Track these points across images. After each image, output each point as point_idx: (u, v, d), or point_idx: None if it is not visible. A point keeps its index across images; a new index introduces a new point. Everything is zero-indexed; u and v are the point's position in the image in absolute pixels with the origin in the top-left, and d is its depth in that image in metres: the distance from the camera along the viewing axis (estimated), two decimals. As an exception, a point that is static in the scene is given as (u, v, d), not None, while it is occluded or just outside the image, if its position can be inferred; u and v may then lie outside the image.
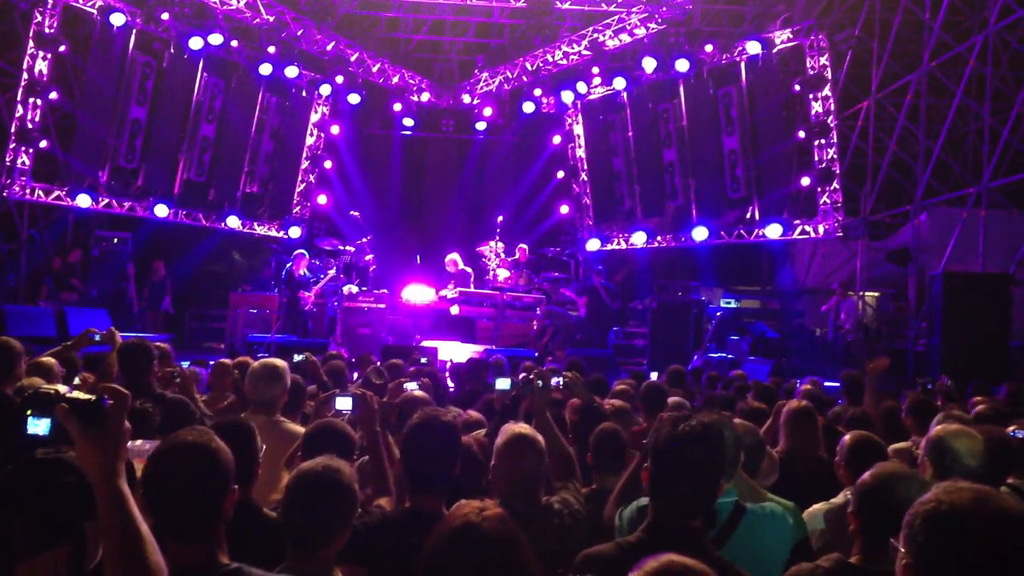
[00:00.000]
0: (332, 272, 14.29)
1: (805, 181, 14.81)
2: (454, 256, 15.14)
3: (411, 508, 3.02)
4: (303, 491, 2.50)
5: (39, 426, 1.79)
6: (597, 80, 16.68)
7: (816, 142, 14.64)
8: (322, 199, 17.76)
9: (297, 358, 6.13)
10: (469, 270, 15.06)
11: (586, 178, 18.06)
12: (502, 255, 15.62)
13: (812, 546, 3.24)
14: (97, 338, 5.74)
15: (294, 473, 2.60)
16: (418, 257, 16.29)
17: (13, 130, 13.57)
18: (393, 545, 2.87)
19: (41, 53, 13.66)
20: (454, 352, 12.42)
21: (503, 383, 4.20)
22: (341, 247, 15.44)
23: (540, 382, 3.58)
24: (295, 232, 16.84)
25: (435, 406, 4.39)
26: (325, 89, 16.89)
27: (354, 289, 14.47)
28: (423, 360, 7.93)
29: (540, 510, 3.08)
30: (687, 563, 1.79)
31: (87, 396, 1.77)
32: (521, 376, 3.86)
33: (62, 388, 1.83)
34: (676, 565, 1.78)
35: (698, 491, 2.54)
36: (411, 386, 4.86)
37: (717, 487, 2.58)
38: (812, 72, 14.67)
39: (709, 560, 2.00)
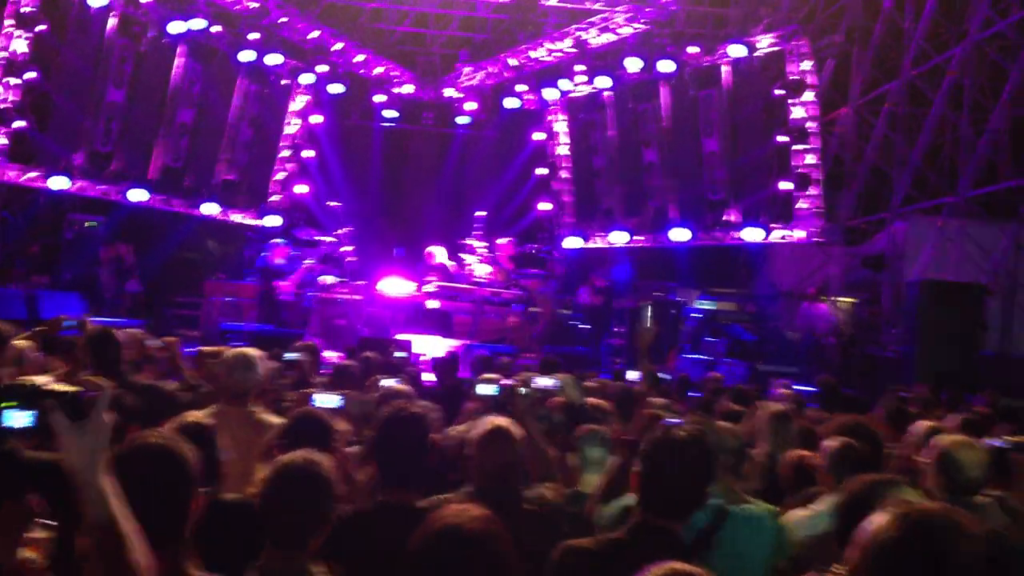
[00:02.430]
0: (309, 262, 14.18)
1: (784, 185, 14.90)
2: (435, 249, 15.09)
3: (384, 501, 3.00)
4: (282, 484, 2.45)
5: (19, 419, 1.75)
6: (581, 78, 16.67)
7: (796, 147, 14.72)
8: (301, 188, 17.60)
9: (289, 357, 6.03)
10: (450, 264, 15.02)
11: (567, 176, 18.05)
12: (482, 250, 15.60)
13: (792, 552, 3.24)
14: (67, 323, 5.66)
15: (272, 466, 2.54)
16: (395, 250, 16.20)
17: (-11, 109, 13.33)
18: (367, 539, 2.84)
19: (20, 32, 13.41)
20: (430, 346, 12.38)
21: (486, 388, 4.17)
22: (319, 237, 15.34)
23: (523, 388, 3.56)
24: (273, 221, 16.68)
25: (417, 400, 4.37)
26: (307, 78, 16.74)
27: (331, 280, 14.38)
28: (398, 354, 7.86)
29: (514, 500, 3.08)
30: (689, 570, 1.78)
31: (69, 388, 1.74)
32: (502, 382, 3.84)
33: (39, 379, 1.79)
34: (679, 572, 1.77)
35: (687, 497, 2.54)
36: (388, 382, 4.83)
37: (705, 493, 2.58)
38: (794, 77, 14.75)
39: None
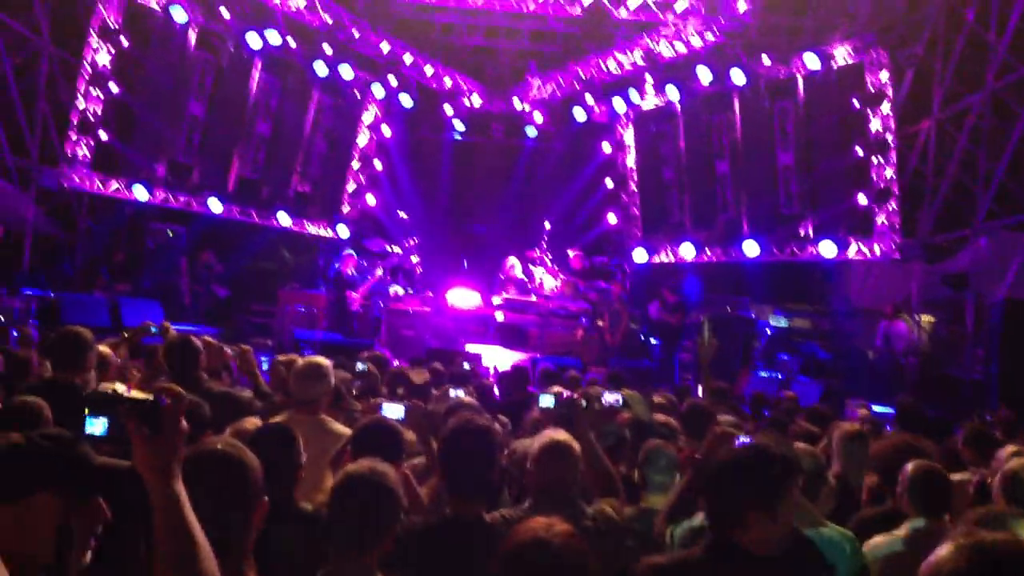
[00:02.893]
0: (379, 273, 14.35)
1: (861, 199, 14.52)
2: (513, 261, 15.15)
3: (452, 515, 2.99)
4: (348, 494, 2.48)
5: (96, 425, 1.78)
6: (650, 90, 16.55)
7: (874, 160, 14.36)
8: (371, 200, 17.86)
9: (360, 367, 6.11)
10: (525, 277, 15.06)
11: (635, 188, 17.92)
12: (549, 263, 15.59)
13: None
14: (154, 330, 5.84)
15: (339, 475, 2.57)
16: (465, 262, 16.30)
17: (75, 121, 13.85)
18: (436, 552, 2.84)
19: (103, 46, 13.93)
20: (498, 358, 12.40)
21: (547, 400, 4.14)
22: (388, 248, 15.51)
23: (584, 402, 3.52)
24: (344, 231, 16.95)
25: (483, 412, 4.36)
26: (378, 91, 16.99)
27: (400, 291, 14.53)
28: (465, 366, 7.87)
29: (573, 516, 3.03)
30: None
31: (144, 396, 1.76)
32: (564, 395, 3.80)
33: (120, 387, 1.82)
34: None
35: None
36: (457, 392, 4.83)
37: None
38: (872, 89, 14.39)
39: None
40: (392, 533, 2.49)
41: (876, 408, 7.50)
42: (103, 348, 5.33)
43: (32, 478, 1.82)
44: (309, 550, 2.65)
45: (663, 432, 4.77)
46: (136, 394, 1.77)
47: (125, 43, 14.22)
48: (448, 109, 17.96)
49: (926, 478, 3.37)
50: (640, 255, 17.13)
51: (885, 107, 14.35)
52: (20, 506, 1.79)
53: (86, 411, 1.78)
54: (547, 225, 16.28)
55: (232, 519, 2.12)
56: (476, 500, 3.00)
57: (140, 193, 14.33)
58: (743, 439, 3.42)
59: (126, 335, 6.11)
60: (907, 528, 3.35)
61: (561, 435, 3.20)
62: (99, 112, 14.04)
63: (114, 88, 14.11)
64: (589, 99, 17.31)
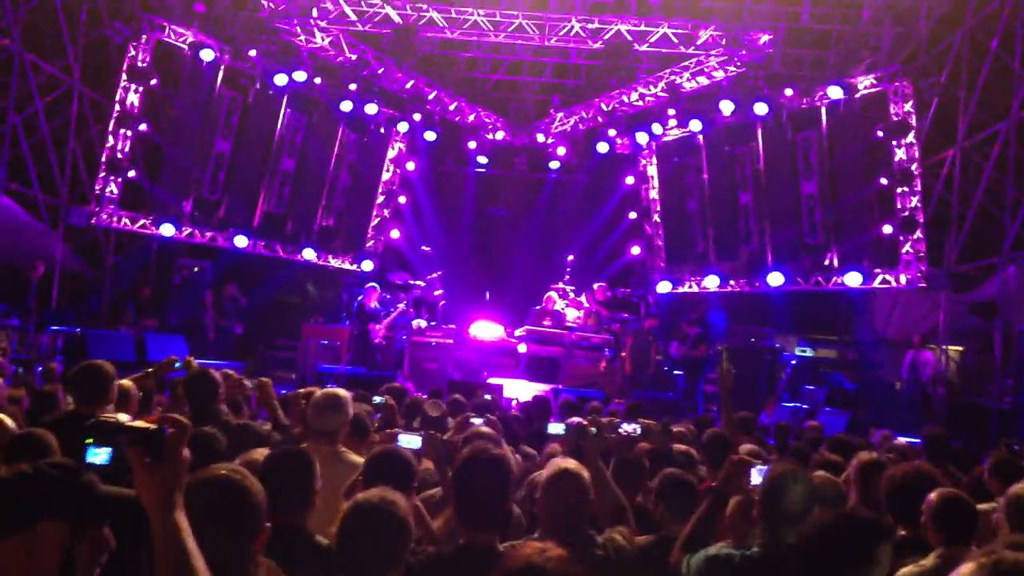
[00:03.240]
0: (402, 306, 14.42)
1: (887, 229, 14.42)
2: (552, 294, 15.20)
3: (465, 544, 2.97)
4: (357, 522, 2.47)
5: (99, 455, 1.79)
6: (673, 122, 16.61)
7: (899, 189, 14.27)
8: (395, 233, 17.99)
9: (377, 400, 6.12)
10: (565, 312, 15.09)
11: (659, 219, 17.91)
12: (571, 295, 15.59)
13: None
14: (178, 365, 5.90)
15: (350, 503, 2.57)
16: (487, 294, 16.33)
17: (104, 159, 14.12)
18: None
19: (133, 86, 14.23)
20: (520, 390, 12.36)
21: (556, 427, 4.13)
22: (412, 281, 15.60)
23: (594, 429, 3.49)
24: (368, 265, 17.07)
25: (500, 443, 4.34)
26: (403, 126, 17.18)
27: (423, 324, 14.57)
28: (487, 397, 7.85)
29: (581, 542, 3.00)
30: None
31: (147, 425, 1.77)
32: (575, 421, 3.79)
33: (123, 417, 1.84)
34: None
35: None
36: (476, 421, 4.82)
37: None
38: (896, 118, 14.34)
39: None
40: (402, 562, 2.47)
41: (902, 439, 7.37)
42: (125, 382, 5.38)
43: (38, 507, 1.84)
44: None
45: (681, 461, 4.73)
46: (139, 423, 1.78)
47: (154, 83, 14.52)
48: (472, 143, 18.11)
49: (951, 507, 3.31)
50: (664, 286, 17.08)
51: (909, 136, 14.28)
52: (27, 534, 1.81)
53: (89, 440, 1.79)
54: (570, 257, 16.32)
55: (232, 544, 2.12)
56: (489, 530, 2.97)
57: (167, 230, 14.53)
58: (760, 467, 3.38)
59: (151, 370, 6.17)
60: (933, 558, 3.29)
61: (570, 463, 3.18)
62: (128, 151, 14.31)
63: (143, 127, 14.40)
64: (612, 132, 17.40)
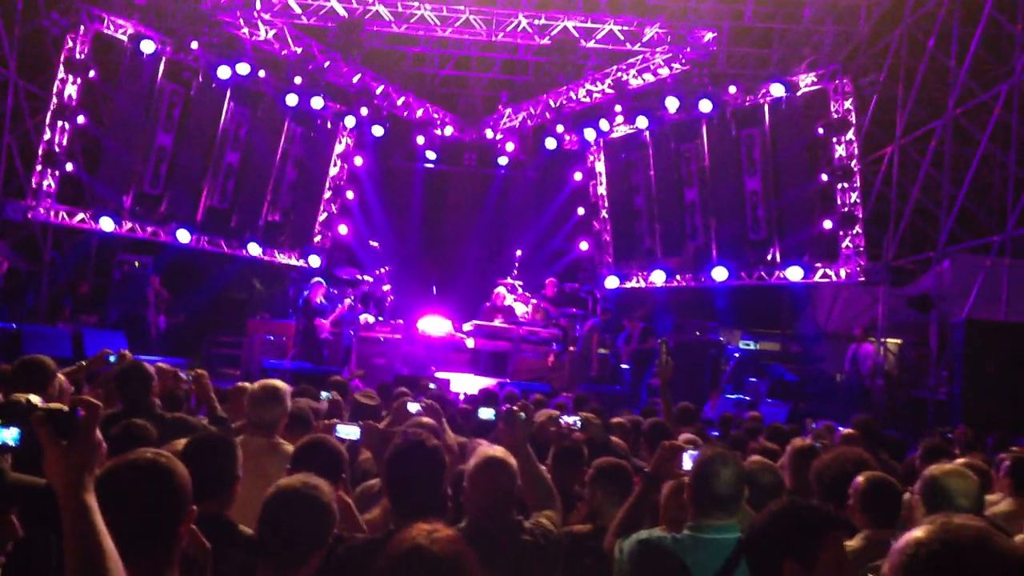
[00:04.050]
0: (349, 301, 14.31)
1: (827, 224, 14.72)
2: (500, 289, 15.21)
3: (395, 531, 2.95)
4: (278, 507, 2.43)
5: (7, 435, 1.76)
6: (620, 119, 16.74)
7: (839, 186, 14.57)
8: (343, 229, 17.85)
9: (324, 395, 6.04)
10: (514, 306, 15.10)
11: (606, 215, 18.03)
12: (519, 290, 15.64)
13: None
14: (112, 359, 5.77)
15: (271, 489, 2.53)
16: (434, 288, 16.30)
17: (40, 152, 13.78)
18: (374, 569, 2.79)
19: (71, 78, 13.90)
20: (468, 384, 12.37)
21: (486, 412, 4.15)
22: (359, 277, 15.49)
23: (523, 413, 3.51)
24: (315, 261, 16.90)
25: (440, 431, 4.34)
26: (350, 121, 17.03)
27: (371, 319, 14.49)
28: (431, 386, 7.83)
29: (509, 528, 3.02)
30: None
31: (60, 407, 1.75)
32: (504, 407, 3.81)
33: (34, 398, 1.81)
34: None
35: None
36: (413, 407, 4.82)
37: None
38: (836, 116, 14.64)
39: None
40: (323, 549, 2.44)
41: (840, 428, 7.54)
42: (60, 376, 5.27)
43: None
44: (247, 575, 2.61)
45: (618, 452, 4.78)
46: (51, 405, 1.76)
47: (93, 75, 14.20)
48: (420, 139, 18.03)
49: (876, 489, 3.39)
50: (612, 282, 17.21)
51: (849, 134, 14.59)
52: None
53: None
54: (518, 252, 16.37)
55: (158, 526, 2.09)
56: (422, 518, 2.96)
57: (107, 224, 14.23)
58: (692, 452, 3.43)
59: (83, 363, 6.04)
60: (859, 539, 3.37)
61: (497, 451, 3.19)
62: (65, 143, 13.97)
63: (81, 120, 14.08)
64: (560, 128, 17.46)
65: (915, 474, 5.18)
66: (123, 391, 4.88)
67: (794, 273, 14.64)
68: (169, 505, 2.12)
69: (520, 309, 15.30)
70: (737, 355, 14.60)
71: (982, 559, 1.48)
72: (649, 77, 16.31)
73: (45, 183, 13.81)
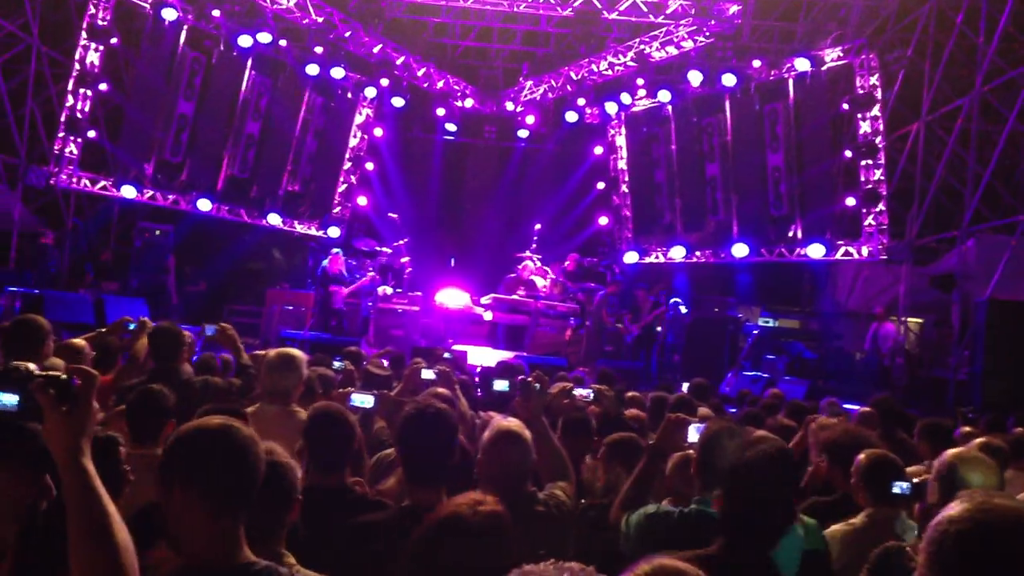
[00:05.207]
0: (372, 273, 14.36)
1: (850, 201, 14.57)
2: (527, 263, 15.22)
3: (408, 507, 2.96)
4: None
5: (7, 400, 1.78)
6: (642, 92, 16.59)
7: (863, 162, 14.39)
8: (362, 200, 17.85)
9: (337, 365, 6.04)
10: (535, 279, 15.12)
11: (626, 190, 17.93)
12: (538, 263, 15.61)
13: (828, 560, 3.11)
14: (132, 326, 5.82)
15: None
16: (452, 261, 16.31)
17: (63, 119, 13.84)
18: (393, 544, 2.79)
19: (93, 45, 13.93)
20: (485, 357, 12.40)
21: (501, 384, 4.15)
22: (378, 248, 15.50)
23: (538, 384, 3.50)
24: (334, 232, 16.93)
25: (454, 400, 4.35)
26: (370, 91, 16.99)
27: (388, 291, 14.53)
28: (446, 355, 7.84)
29: (523, 500, 3.02)
30: (679, 566, 1.72)
31: (57, 374, 1.78)
32: (520, 378, 3.80)
33: (31, 365, 1.83)
34: (668, 568, 1.71)
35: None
36: (427, 374, 4.82)
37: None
38: (861, 92, 14.43)
39: None
40: (290, 513, 2.42)
41: (846, 406, 7.51)
42: (78, 341, 5.33)
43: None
44: None
45: (633, 427, 4.78)
46: (50, 372, 1.78)
47: (115, 42, 14.22)
48: (440, 110, 17.95)
49: (879, 467, 3.38)
50: (631, 257, 17.15)
51: (874, 110, 14.38)
52: None
53: None
54: (537, 226, 16.32)
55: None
56: (432, 486, 2.96)
57: (128, 192, 14.32)
58: (697, 425, 3.41)
59: (103, 330, 6.10)
60: (862, 517, 3.36)
61: (512, 423, 3.19)
62: (88, 111, 14.03)
63: (103, 87, 14.12)
64: (581, 101, 17.32)
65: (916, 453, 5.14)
66: (154, 355, 4.96)
67: (815, 251, 14.51)
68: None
69: (539, 283, 15.29)
70: (756, 332, 14.51)
71: (1013, 541, 1.46)
72: (672, 50, 16.12)
73: (68, 150, 13.89)
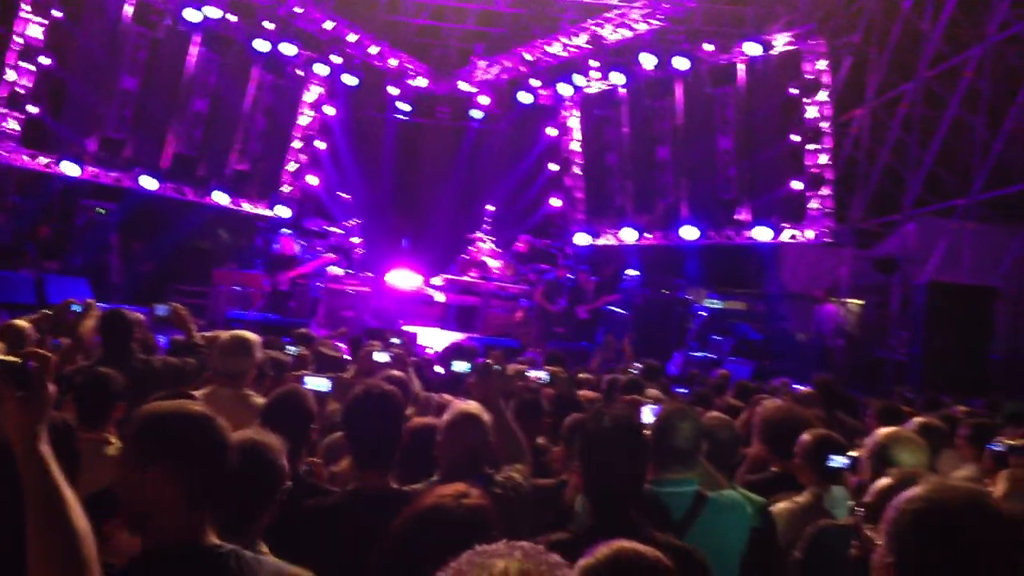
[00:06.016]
0: (330, 255, 14.25)
1: (796, 185, 14.81)
2: (480, 244, 15.20)
3: (355, 489, 2.96)
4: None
5: None
6: (595, 74, 16.64)
7: (809, 147, 14.63)
8: (312, 180, 17.64)
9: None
10: (489, 261, 15.10)
11: (579, 172, 18.00)
12: (490, 244, 15.63)
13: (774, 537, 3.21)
14: (76, 308, 5.71)
15: None
16: (404, 242, 16.24)
17: (4, 95, 13.43)
18: (340, 529, 2.80)
19: (35, 18, 13.51)
20: (436, 339, 12.39)
21: (461, 365, 4.19)
22: (329, 228, 15.36)
23: (497, 366, 3.53)
24: (283, 211, 16.72)
25: (408, 383, 4.37)
26: (321, 69, 16.77)
27: (339, 271, 14.42)
28: (394, 341, 7.83)
29: (480, 482, 3.05)
30: (637, 549, 1.77)
31: (12, 359, 1.75)
32: (479, 360, 3.83)
33: None
34: (626, 551, 1.75)
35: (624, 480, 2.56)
36: (381, 356, 4.83)
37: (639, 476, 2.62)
38: (809, 77, 14.66)
39: (653, 542, 1.97)
40: (273, 505, 2.41)
41: (796, 386, 7.68)
42: (22, 323, 5.23)
43: None
44: None
45: (586, 408, 4.84)
46: (4, 357, 1.76)
47: (58, 15, 13.82)
48: (393, 89, 17.79)
49: (823, 447, 3.49)
50: (583, 238, 17.26)
51: (822, 95, 14.62)
52: None
53: None
54: (490, 207, 16.32)
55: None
56: (379, 469, 2.96)
57: (70, 169, 13.97)
58: (652, 407, 3.48)
59: (47, 312, 5.98)
60: (807, 495, 3.47)
61: (471, 406, 3.22)
62: (29, 86, 13.63)
63: (45, 61, 13.72)
64: (534, 82, 17.32)
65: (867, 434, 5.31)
66: (104, 338, 4.87)
67: (762, 233, 14.76)
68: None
69: (492, 264, 15.32)
70: (703, 313, 14.73)
71: (968, 521, 1.54)
72: (625, 32, 16.18)
73: (9, 126, 13.49)
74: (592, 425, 2.63)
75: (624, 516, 2.47)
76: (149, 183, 14.76)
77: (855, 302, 15.25)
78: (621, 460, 2.56)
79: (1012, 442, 4.11)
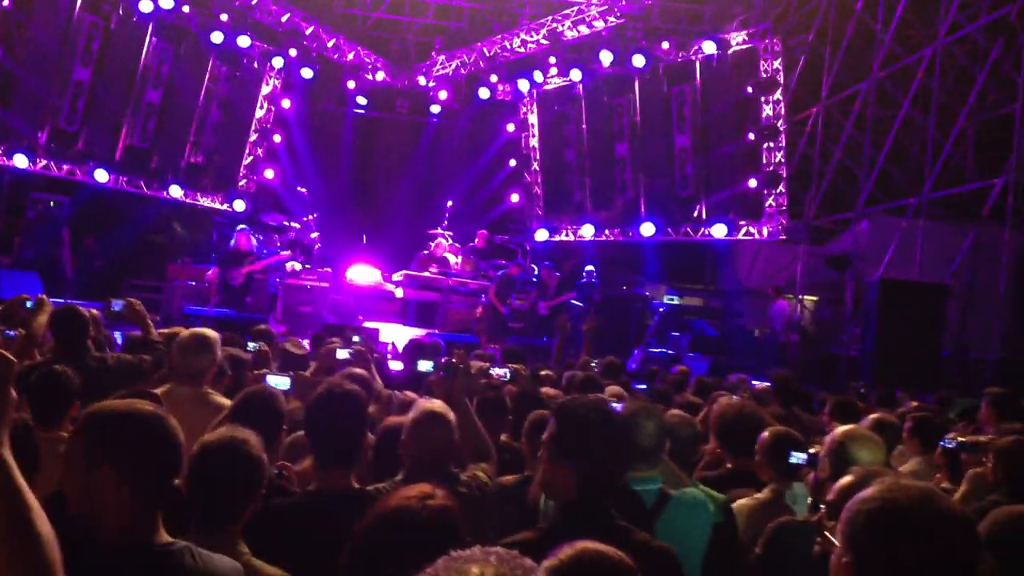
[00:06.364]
0: (287, 252, 14.11)
1: (752, 183, 15.01)
2: (440, 240, 15.12)
3: (316, 490, 2.94)
4: (205, 463, 2.39)
5: None
6: (553, 70, 16.68)
7: (765, 145, 14.83)
8: (269, 173, 17.42)
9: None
10: (449, 257, 15.05)
11: (538, 168, 18.04)
12: (450, 240, 15.60)
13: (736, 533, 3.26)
14: (29, 304, 5.59)
15: (197, 444, 2.46)
16: (364, 237, 16.14)
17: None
18: (301, 530, 2.77)
19: (-19, 6, 13.19)
20: (397, 335, 12.36)
21: (425, 364, 4.18)
22: (286, 223, 15.20)
23: (463, 365, 3.54)
24: (239, 205, 16.50)
25: (370, 380, 4.35)
26: (277, 61, 16.57)
27: (297, 267, 14.29)
28: (355, 339, 7.79)
29: (445, 481, 3.05)
30: (600, 549, 1.78)
31: None
32: (444, 359, 3.83)
33: None
34: (589, 552, 1.76)
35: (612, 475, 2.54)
36: (342, 354, 4.80)
37: (621, 471, 2.59)
38: (765, 75, 14.84)
39: (626, 540, 1.99)
40: (254, 502, 2.41)
41: (757, 382, 7.80)
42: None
43: None
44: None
45: (549, 405, 4.86)
46: None
47: (7, 4, 13.48)
48: (351, 83, 17.65)
49: (781, 444, 3.55)
50: (541, 234, 17.31)
51: (777, 93, 14.82)
52: None
53: None
54: (449, 203, 16.29)
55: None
56: (340, 468, 2.94)
57: (20, 161, 13.65)
58: (616, 405, 3.51)
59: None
60: (767, 491, 3.54)
61: (436, 404, 3.21)
62: (-24, 76, 13.30)
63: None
64: (493, 78, 17.31)
65: (824, 430, 5.41)
66: (58, 336, 4.76)
67: (718, 230, 14.94)
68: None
69: (452, 260, 15.30)
70: (661, 310, 14.87)
71: (921, 519, 1.57)
72: (584, 29, 16.25)
73: (-46, 117, 13.16)
74: (584, 417, 2.60)
75: (605, 512, 2.47)
76: (102, 176, 14.48)
77: (809, 298, 15.52)
78: (614, 452, 2.54)
79: (963, 439, 4.24)
